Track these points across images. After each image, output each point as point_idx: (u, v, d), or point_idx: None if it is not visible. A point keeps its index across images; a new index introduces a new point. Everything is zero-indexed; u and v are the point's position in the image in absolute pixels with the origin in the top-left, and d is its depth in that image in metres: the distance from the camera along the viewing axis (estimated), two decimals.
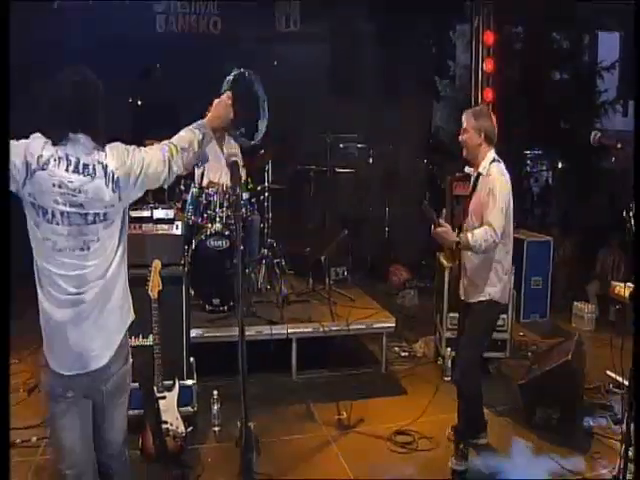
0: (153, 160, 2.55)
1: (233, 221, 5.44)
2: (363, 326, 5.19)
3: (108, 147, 2.47)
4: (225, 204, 5.42)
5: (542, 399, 4.29)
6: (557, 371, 4.19)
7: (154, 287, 3.90)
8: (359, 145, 8.74)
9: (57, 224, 2.37)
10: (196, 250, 5.21)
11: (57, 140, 2.37)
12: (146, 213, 4.00)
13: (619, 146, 2.99)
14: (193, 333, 4.78)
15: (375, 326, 5.22)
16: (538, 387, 4.30)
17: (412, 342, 5.92)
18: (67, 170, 2.36)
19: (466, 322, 3.90)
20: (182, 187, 5.50)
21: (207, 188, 5.44)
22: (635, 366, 3.54)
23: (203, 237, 5.23)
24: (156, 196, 5.42)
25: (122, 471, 2.80)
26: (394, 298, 7.52)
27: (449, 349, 5.15)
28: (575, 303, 6.80)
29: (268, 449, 3.85)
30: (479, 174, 3.79)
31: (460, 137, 3.84)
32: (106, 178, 2.41)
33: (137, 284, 3.88)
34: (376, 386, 5.07)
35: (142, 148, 2.58)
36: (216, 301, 5.28)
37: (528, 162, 10.49)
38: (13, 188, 2.35)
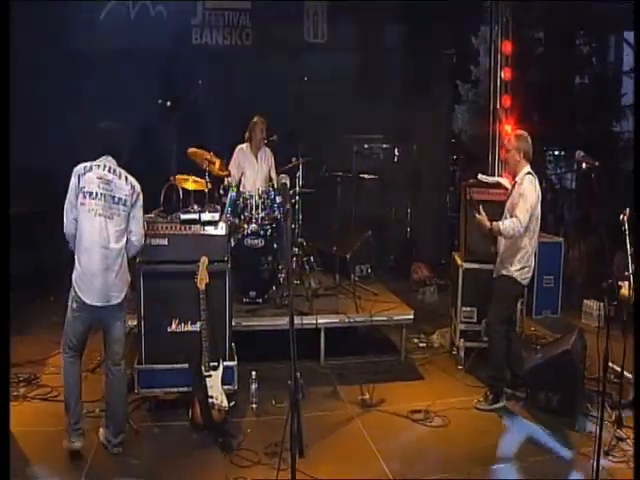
0: (140, 221, 4.12)
1: (267, 222, 6.03)
2: (384, 318, 5.73)
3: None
4: (260, 207, 5.99)
5: (544, 384, 4.79)
6: (557, 359, 4.69)
7: (202, 280, 4.50)
8: (384, 146, 9.22)
9: (98, 200, 3.90)
10: (234, 248, 5.78)
11: (98, 156, 4.00)
12: (194, 216, 4.57)
13: (597, 164, 3.54)
14: (232, 323, 5.37)
15: (395, 318, 5.76)
16: (540, 373, 4.80)
17: (429, 334, 6.45)
18: (105, 171, 3.96)
19: (493, 295, 4.91)
20: (221, 191, 6.07)
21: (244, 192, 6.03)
22: (636, 362, 4.08)
23: (240, 236, 5.82)
24: (197, 199, 6.04)
25: (119, 376, 4.16)
26: (415, 294, 8.03)
27: (462, 340, 5.67)
28: (585, 301, 7.21)
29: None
30: (515, 183, 4.77)
31: (503, 155, 5.15)
32: (126, 181, 4.00)
33: (187, 277, 4.55)
34: (396, 372, 5.61)
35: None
36: (252, 294, 5.86)
37: (549, 165, 10.82)
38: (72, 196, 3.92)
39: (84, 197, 3.90)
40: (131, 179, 4.03)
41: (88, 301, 3.92)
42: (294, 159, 6.47)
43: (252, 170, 6.76)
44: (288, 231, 5.86)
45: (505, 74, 7.93)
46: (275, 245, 5.92)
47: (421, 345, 6.24)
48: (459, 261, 5.79)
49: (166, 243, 4.61)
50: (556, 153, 10.87)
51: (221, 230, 4.64)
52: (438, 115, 9.57)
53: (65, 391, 4.11)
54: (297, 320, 5.48)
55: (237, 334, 5.15)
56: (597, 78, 10.05)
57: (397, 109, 9.05)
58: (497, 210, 5.25)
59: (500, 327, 4.86)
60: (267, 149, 6.89)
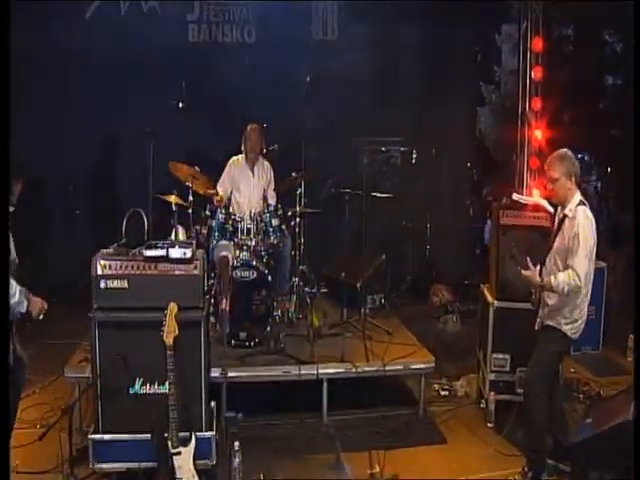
0: None
1: (261, 249, 5.14)
2: (400, 367, 4.81)
3: None
4: (253, 231, 5.11)
5: (596, 461, 3.83)
6: (615, 432, 3.72)
7: (169, 333, 3.63)
8: (402, 149, 8.34)
9: None
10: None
11: None
12: (161, 252, 3.69)
13: None
14: (215, 373, 4.50)
15: (413, 367, 4.84)
16: (592, 447, 3.85)
17: (453, 379, 5.49)
18: None
19: (535, 348, 3.98)
20: (207, 212, 5.20)
21: (234, 214, 5.14)
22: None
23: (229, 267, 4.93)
24: (181, 221, 5.18)
25: None
26: (435, 322, 7.12)
27: (493, 393, 4.73)
28: (631, 335, 6.23)
29: None
30: (565, 216, 3.86)
31: (551, 186, 3.91)
32: None
33: (153, 327, 3.68)
34: (413, 431, 4.69)
35: None
36: (242, 335, 4.99)
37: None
38: None
39: None
40: None
41: None
42: (294, 173, 5.52)
43: (247, 185, 5.90)
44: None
45: (535, 73, 7.08)
46: (270, 278, 5.01)
47: (443, 393, 5.29)
48: (489, 298, 4.84)
49: (126, 286, 3.73)
50: (586, 159, 9.98)
51: (195, 269, 3.75)
52: (459, 117, 8.69)
53: None
54: (295, 370, 4.60)
55: (221, 386, 4.40)
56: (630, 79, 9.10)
57: (415, 111, 8.23)
58: (535, 239, 4.48)
59: (542, 388, 3.94)
60: (265, 161, 6.02)
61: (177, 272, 3.74)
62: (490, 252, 5.05)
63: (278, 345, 4.90)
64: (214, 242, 5.15)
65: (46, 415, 4.74)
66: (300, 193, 5.62)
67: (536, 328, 4.03)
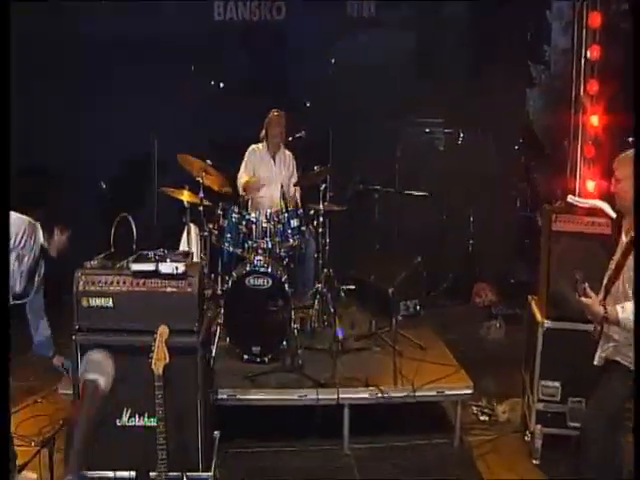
0: None
1: (280, 253, 4.59)
2: (433, 392, 4.20)
3: None
4: (270, 232, 4.56)
5: None
6: None
7: (159, 360, 3.12)
8: (446, 130, 7.71)
9: None
10: (233, 289, 4.40)
11: None
12: (149, 266, 3.17)
13: None
14: (223, 394, 4.00)
15: (448, 393, 4.22)
16: None
17: (494, 398, 4.84)
18: None
19: (599, 384, 3.33)
20: (220, 211, 4.67)
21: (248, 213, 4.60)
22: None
23: (241, 274, 4.40)
24: (195, 218, 4.71)
25: None
26: (476, 328, 6.46)
27: (540, 426, 4.09)
28: None
29: None
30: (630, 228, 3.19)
31: (612, 188, 3.27)
32: None
33: (141, 353, 3.18)
34: (445, 466, 4.09)
35: None
36: (255, 350, 4.45)
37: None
38: None
39: None
40: None
41: None
42: (316, 167, 4.91)
43: (268, 176, 5.36)
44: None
45: (592, 53, 6.30)
46: (286, 286, 4.45)
47: (482, 418, 4.67)
48: (538, 315, 4.18)
49: (111, 304, 3.25)
50: None
51: (189, 287, 3.22)
52: (506, 99, 7.93)
53: None
54: (312, 394, 4.06)
55: (230, 409, 3.97)
56: None
57: (459, 92, 7.44)
58: (593, 249, 3.84)
59: (605, 425, 3.27)
60: (287, 151, 5.45)
61: (169, 289, 3.22)
62: (540, 262, 4.37)
63: (295, 362, 4.35)
64: (225, 244, 4.62)
65: (44, 430, 4.35)
66: (326, 188, 5.00)
67: (596, 362, 3.35)
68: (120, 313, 3.24)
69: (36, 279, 3.35)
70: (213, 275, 5.02)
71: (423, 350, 4.78)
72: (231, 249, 4.61)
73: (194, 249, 4.90)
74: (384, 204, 5.30)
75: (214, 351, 4.40)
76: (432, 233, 7.20)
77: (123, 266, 3.27)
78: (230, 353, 4.53)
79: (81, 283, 3.24)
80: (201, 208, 4.69)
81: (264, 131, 5.39)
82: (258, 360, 4.44)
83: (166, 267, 3.16)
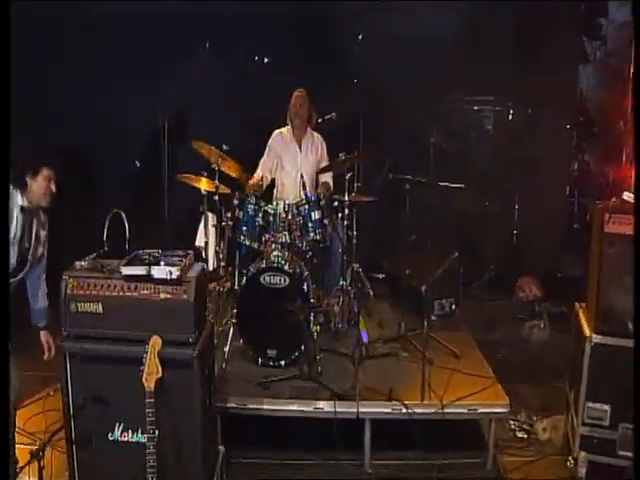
0: None
1: (301, 247, 4.21)
2: (463, 410, 3.76)
3: None
4: (289, 225, 4.18)
5: None
6: None
7: (150, 374, 2.79)
8: (496, 108, 7.16)
9: None
10: (247, 286, 4.05)
11: None
12: (141, 270, 2.82)
13: None
14: (233, 403, 3.68)
15: (481, 411, 3.78)
16: None
17: (534, 413, 4.39)
18: None
19: None
20: (236, 201, 4.29)
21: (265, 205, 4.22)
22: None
23: (256, 271, 4.04)
24: (212, 206, 4.39)
25: None
26: (518, 326, 5.98)
27: (585, 453, 3.62)
28: None
29: None
30: None
31: None
32: None
33: (134, 363, 2.86)
34: None
35: None
36: (271, 353, 4.10)
37: None
38: None
39: None
40: None
41: None
42: (342, 155, 4.47)
43: (294, 163, 4.96)
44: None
45: None
46: (305, 285, 4.07)
47: (520, 435, 4.21)
48: (586, 328, 3.69)
49: (100, 310, 2.92)
50: None
51: (184, 293, 2.86)
52: (558, 76, 7.32)
53: None
54: (329, 407, 3.69)
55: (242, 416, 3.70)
56: None
57: (509, 69, 6.88)
58: None
59: None
60: (316, 134, 5.04)
61: (162, 296, 2.88)
62: (590, 268, 3.86)
63: (313, 369, 3.98)
64: (241, 238, 4.26)
65: (51, 427, 4.10)
66: (355, 176, 4.56)
67: None
68: (110, 320, 2.92)
69: (30, 249, 3.10)
70: (230, 268, 4.67)
71: (457, 359, 4.34)
72: (247, 243, 4.24)
73: (211, 240, 4.58)
74: (417, 192, 4.83)
75: (227, 353, 4.11)
76: (472, 221, 6.71)
77: (114, 268, 2.93)
78: (244, 355, 4.20)
79: (69, 286, 2.92)
80: (216, 197, 4.34)
81: (288, 113, 4.98)
82: (273, 364, 4.09)
83: (159, 271, 2.80)
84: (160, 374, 2.80)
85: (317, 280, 4.63)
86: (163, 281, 2.83)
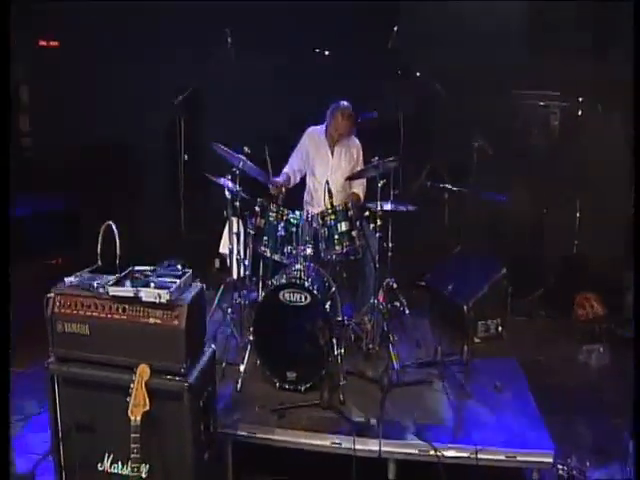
0: None
1: (328, 260, 3.84)
2: (500, 457, 3.30)
3: None
4: (312, 237, 3.82)
5: None
6: None
7: (137, 406, 2.49)
8: (564, 104, 6.60)
9: None
10: (265, 303, 3.71)
11: None
12: (128, 292, 2.51)
13: None
14: (243, 431, 3.34)
15: (520, 460, 3.31)
16: None
17: (588, 458, 3.85)
18: None
19: None
20: (257, 207, 3.95)
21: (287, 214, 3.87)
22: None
23: (275, 286, 3.69)
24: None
25: None
26: (574, 350, 5.43)
27: None
28: None
29: None
30: None
31: None
32: None
33: (122, 391, 2.57)
34: None
35: None
36: (291, 376, 3.75)
37: None
38: None
39: None
40: None
41: None
42: (375, 159, 4.04)
43: (324, 168, 4.59)
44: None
45: None
46: (329, 303, 3.69)
47: None
48: None
49: (87, 332, 2.63)
50: None
51: (175, 319, 2.53)
52: (629, 71, 6.71)
53: None
54: (349, 443, 3.30)
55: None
56: None
57: (576, 62, 6.32)
58: None
59: None
60: (354, 139, 4.64)
61: (152, 320, 2.56)
62: None
63: (334, 397, 3.61)
64: (262, 249, 3.92)
65: None
66: (385, 184, 4.12)
67: None
68: (97, 343, 2.64)
69: None
70: (255, 279, 4.34)
71: (498, 391, 3.88)
72: (268, 254, 3.89)
73: (235, 247, 4.26)
74: (460, 199, 4.37)
75: (242, 372, 3.78)
76: (528, 229, 6.20)
77: (103, 287, 2.63)
78: (263, 375, 3.86)
79: (56, 304, 2.65)
80: (237, 203, 4.01)
81: (327, 118, 4.60)
82: (292, 388, 3.73)
83: (147, 294, 2.49)
84: (147, 407, 2.50)
85: (350, 295, 4.25)
86: (152, 304, 2.51)
